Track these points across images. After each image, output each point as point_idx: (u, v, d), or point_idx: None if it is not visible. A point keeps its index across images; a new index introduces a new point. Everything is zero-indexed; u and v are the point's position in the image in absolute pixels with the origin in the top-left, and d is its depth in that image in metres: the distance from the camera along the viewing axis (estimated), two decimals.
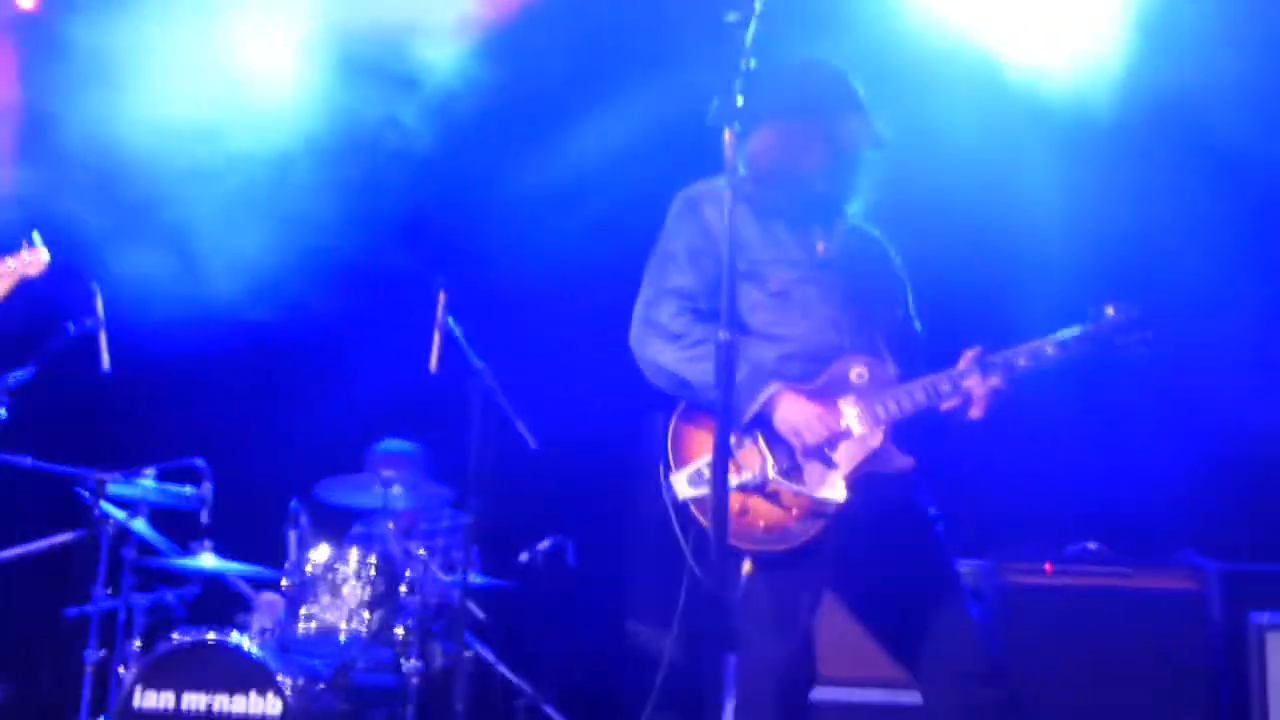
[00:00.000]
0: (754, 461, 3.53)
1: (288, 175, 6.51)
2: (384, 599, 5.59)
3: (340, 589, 5.54)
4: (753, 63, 3.08)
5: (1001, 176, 5.80)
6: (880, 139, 3.70)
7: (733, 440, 3.44)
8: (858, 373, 3.58)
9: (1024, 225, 5.92)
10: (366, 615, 5.53)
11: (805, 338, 3.63)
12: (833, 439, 3.52)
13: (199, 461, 5.61)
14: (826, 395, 3.56)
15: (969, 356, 3.60)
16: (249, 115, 6.40)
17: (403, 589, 5.65)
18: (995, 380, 3.54)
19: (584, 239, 6.69)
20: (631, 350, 3.77)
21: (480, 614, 5.84)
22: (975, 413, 3.55)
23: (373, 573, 5.57)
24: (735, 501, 3.47)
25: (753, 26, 3.10)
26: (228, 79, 6.41)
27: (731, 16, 3.14)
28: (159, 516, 5.77)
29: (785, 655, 3.51)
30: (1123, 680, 5.09)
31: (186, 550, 5.68)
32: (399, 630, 5.60)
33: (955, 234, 5.77)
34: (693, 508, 3.51)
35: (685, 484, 3.54)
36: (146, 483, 5.64)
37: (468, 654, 5.64)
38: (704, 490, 3.45)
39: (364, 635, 5.50)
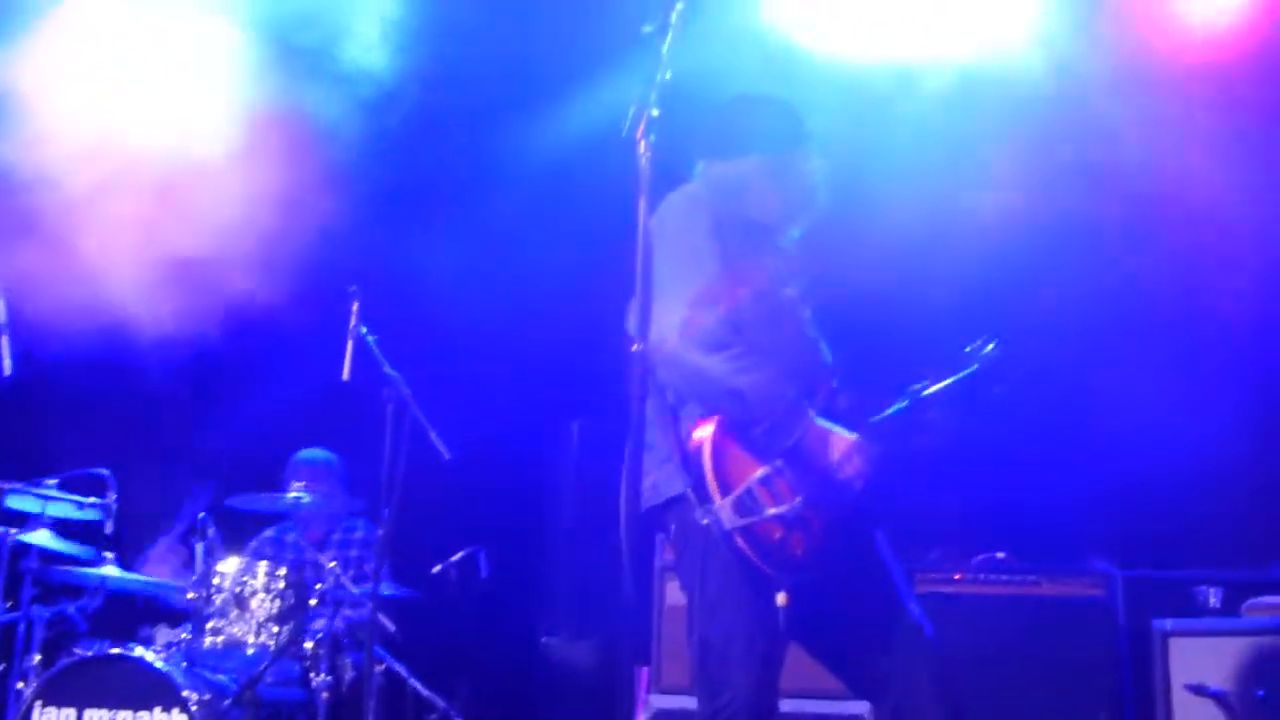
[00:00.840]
0: (784, 490, 3.37)
1: (201, 181, 6.41)
2: (293, 612, 5.51)
3: (248, 602, 5.46)
4: (669, 74, 3.08)
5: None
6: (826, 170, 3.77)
7: (765, 471, 3.36)
8: (834, 390, 3.60)
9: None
10: (275, 629, 5.45)
11: (793, 356, 3.58)
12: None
13: (103, 471, 5.50)
14: (826, 418, 3.50)
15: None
16: (156, 117, 6.30)
17: (313, 602, 5.58)
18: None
19: (499, 249, 6.68)
20: (660, 357, 3.42)
21: (391, 627, 5.78)
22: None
23: (282, 585, 5.50)
24: (775, 531, 3.34)
25: (669, 38, 3.11)
26: (139, 78, 6.30)
27: (648, 28, 3.15)
28: (61, 527, 5.65)
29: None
30: (1031, 686, 5.17)
31: (89, 562, 5.57)
32: (308, 644, 5.52)
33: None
34: (738, 539, 3.31)
35: (732, 512, 3.30)
36: (49, 492, 5.52)
37: (379, 668, 5.58)
38: (755, 519, 3.31)
39: (272, 649, 5.42)
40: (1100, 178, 6.06)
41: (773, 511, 3.32)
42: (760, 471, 3.36)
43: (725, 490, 3.32)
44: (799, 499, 3.34)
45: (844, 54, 5.64)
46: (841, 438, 3.45)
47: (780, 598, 3.32)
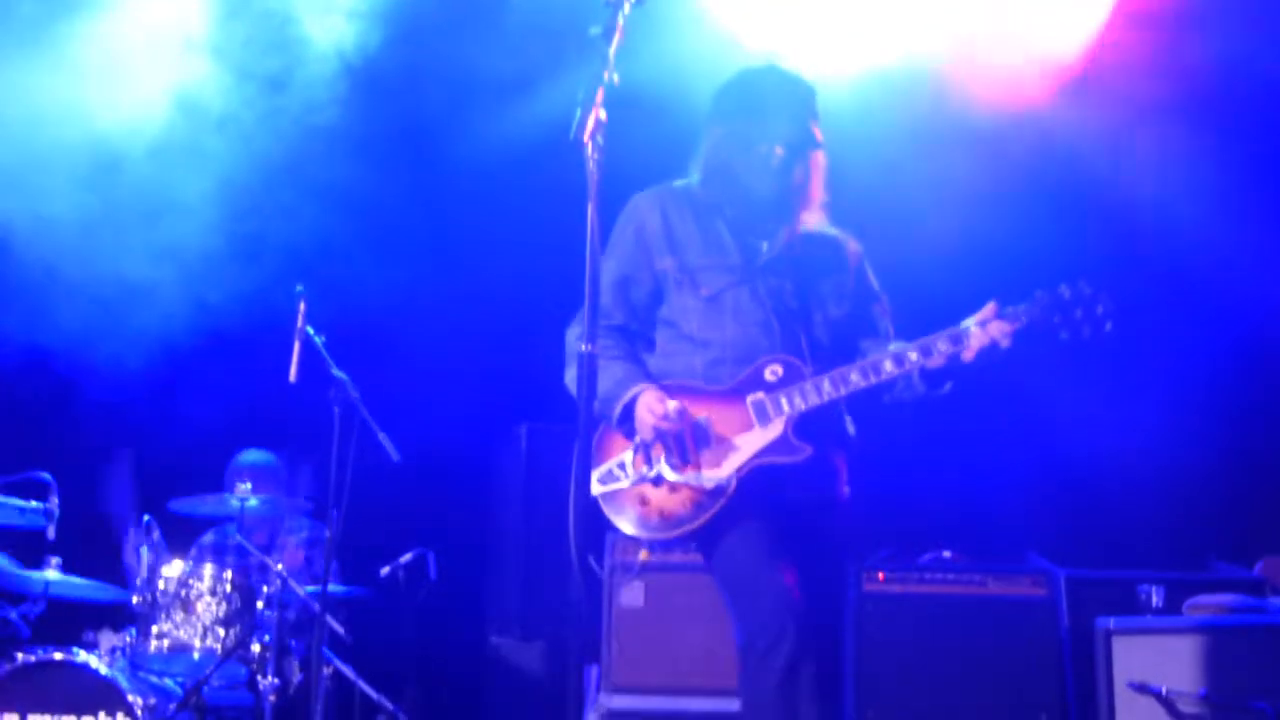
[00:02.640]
0: (656, 454, 3.65)
1: (144, 177, 6.35)
2: (240, 615, 5.47)
3: (194, 605, 5.41)
4: (616, 77, 3.08)
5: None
6: (814, 141, 3.79)
7: (637, 439, 3.65)
8: (772, 370, 3.67)
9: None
10: (221, 632, 5.41)
11: (735, 343, 3.72)
12: (718, 432, 3.63)
13: (45, 475, 5.43)
14: (737, 394, 3.67)
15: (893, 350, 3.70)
16: (100, 113, 6.24)
17: (259, 604, 5.54)
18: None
19: (447, 250, 6.66)
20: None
21: (339, 629, 5.75)
22: (968, 356, 3.63)
23: (228, 588, 5.45)
24: (636, 495, 3.66)
25: (616, 40, 3.11)
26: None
27: (594, 30, 3.15)
28: (1, 532, 5.57)
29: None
30: (975, 684, 5.22)
31: (31, 566, 5.49)
32: (255, 646, 5.48)
33: None
34: (601, 504, 3.69)
35: (596, 481, 3.69)
36: None
37: (326, 670, 5.55)
38: (614, 486, 3.68)
39: (219, 652, 5.38)
40: (1034, 179, 6.14)
41: (629, 481, 3.66)
42: (640, 439, 3.66)
43: (598, 464, 3.71)
44: (656, 462, 3.63)
45: (791, 56, 5.66)
46: (657, 402, 3.62)
47: (643, 553, 3.48)
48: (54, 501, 5.40)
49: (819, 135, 3.81)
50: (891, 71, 6.09)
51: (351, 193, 6.52)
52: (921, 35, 6.07)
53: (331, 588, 5.39)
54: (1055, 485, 6.30)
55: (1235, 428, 6.25)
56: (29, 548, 5.55)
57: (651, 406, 3.63)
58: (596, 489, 3.69)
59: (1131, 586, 5.35)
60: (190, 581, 5.43)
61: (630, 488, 3.68)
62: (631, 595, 5.06)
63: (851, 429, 3.88)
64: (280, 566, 5.60)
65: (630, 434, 3.70)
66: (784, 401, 3.63)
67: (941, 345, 3.63)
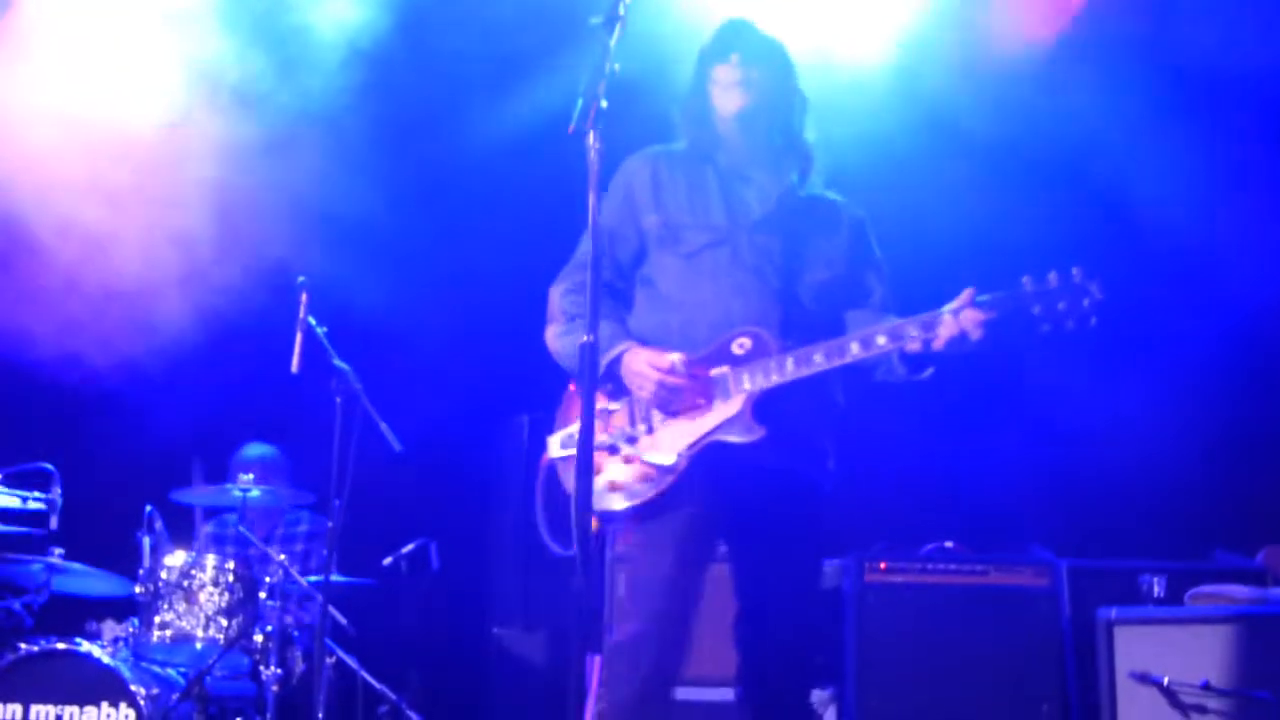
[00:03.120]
0: (618, 423, 3.60)
1: (148, 168, 6.35)
2: (242, 605, 5.48)
3: (197, 595, 5.42)
4: (617, 66, 3.07)
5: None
6: (777, 54, 3.73)
7: (606, 403, 3.59)
8: (740, 344, 3.55)
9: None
10: (224, 622, 5.42)
11: (708, 304, 3.63)
12: (685, 403, 3.52)
13: (47, 466, 5.44)
14: (703, 365, 3.56)
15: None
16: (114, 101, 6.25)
17: (262, 594, 5.55)
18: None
19: (450, 240, 6.65)
20: None
21: (342, 619, 5.76)
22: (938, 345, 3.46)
23: (231, 578, 5.46)
24: (596, 458, 3.46)
25: (618, 30, 3.10)
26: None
27: (595, 19, 3.14)
28: (4, 521, 5.58)
29: (643, 633, 3.51)
30: (976, 675, 5.21)
31: (34, 557, 5.50)
32: (258, 637, 5.49)
33: None
34: (559, 468, 3.66)
35: (557, 445, 3.68)
36: None
37: (329, 660, 5.56)
38: (572, 452, 3.46)
39: (221, 642, 5.39)
40: (1037, 172, 6.13)
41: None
42: (602, 406, 3.57)
43: (560, 427, 3.70)
44: (615, 430, 3.59)
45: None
46: (642, 362, 3.55)
47: (594, 522, 3.44)
48: (56, 492, 5.42)
49: (783, 80, 3.74)
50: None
51: (352, 183, 6.52)
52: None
53: (334, 578, 5.39)
54: (1056, 475, 6.29)
55: (1237, 416, 6.24)
56: (32, 538, 5.56)
57: (653, 361, 3.54)
58: (556, 451, 3.65)
59: (1133, 576, 5.35)
60: (193, 572, 5.44)
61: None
62: None
63: (840, 405, 3.74)
64: (282, 557, 5.62)
65: (613, 394, 3.61)
66: (745, 378, 3.50)
67: (912, 330, 3.47)
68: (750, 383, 3.50)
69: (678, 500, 3.52)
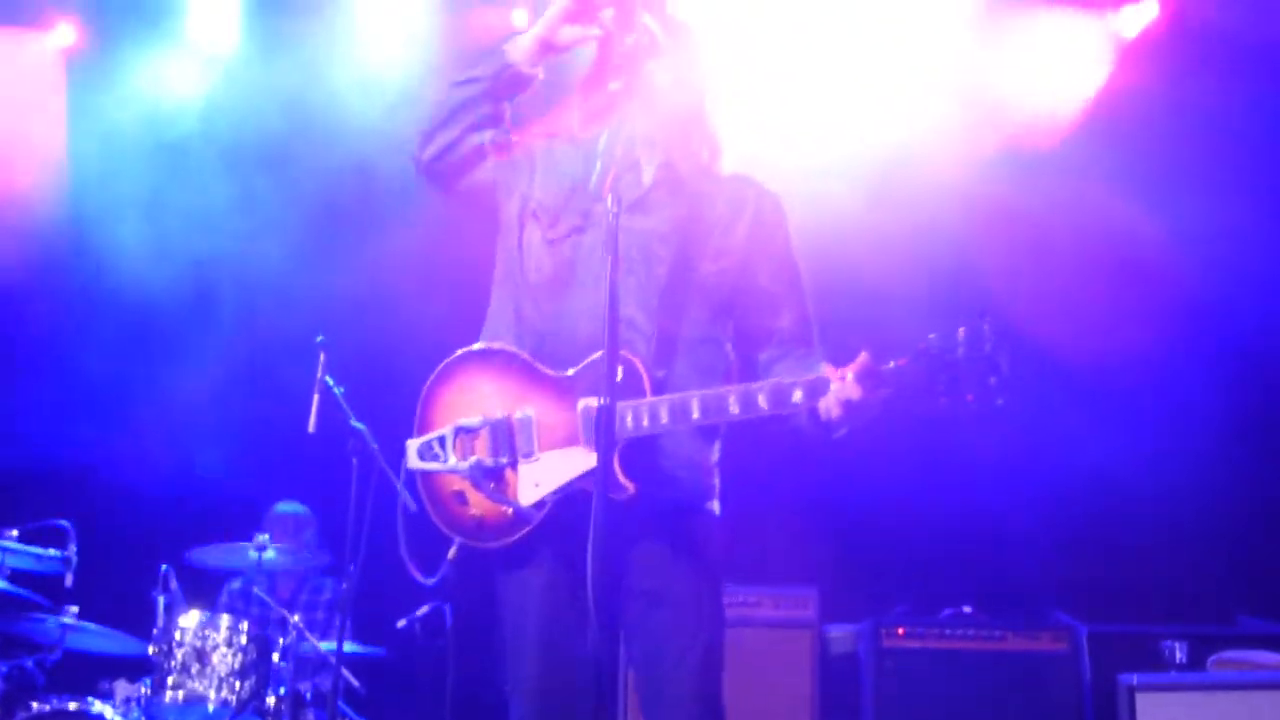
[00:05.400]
0: (479, 450, 3.14)
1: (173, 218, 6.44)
2: (255, 667, 5.45)
3: (210, 656, 5.39)
4: (638, 129, 3.06)
5: None
6: (654, 47, 3.17)
7: (474, 421, 3.15)
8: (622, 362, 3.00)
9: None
10: (237, 684, 5.38)
11: (565, 301, 3.19)
12: (541, 438, 3.09)
13: (63, 523, 5.44)
14: (570, 391, 3.09)
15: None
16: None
17: (275, 657, 5.51)
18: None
19: (469, 298, 6.66)
20: None
21: (355, 681, 5.72)
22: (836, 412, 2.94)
23: (244, 640, 5.44)
24: (455, 484, 3.18)
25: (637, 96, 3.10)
26: None
27: (614, 85, 3.15)
28: (20, 578, 5.57)
29: (530, 679, 3.19)
30: None
31: (49, 614, 5.49)
32: (270, 699, 5.45)
33: None
34: (419, 482, 3.24)
35: (415, 454, 3.23)
36: (8, 544, 5.44)
37: None
38: (434, 466, 3.19)
39: (234, 705, 5.35)
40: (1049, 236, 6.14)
41: (450, 464, 3.16)
42: (464, 421, 3.16)
43: (422, 430, 3.25)
44: (479, 455, 3.12)
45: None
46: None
47: (451, 551, 3.21)
48: (72, 549, 5.41)
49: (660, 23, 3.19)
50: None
51: (366, 240, 6.57)
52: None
53: (348, 646, 5.35)
54: (1076, 538, 6.25)
55: (1261, 479, 6.20)
56: (47, 595, 5.54)
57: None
58: (415, 462, 3.21)
59: (1155, 641, 5.30)
60: (206, 632, 5.42)
61: (446, 473, 3.18)
62: None
63: (715, 456, 3.25)
64: (296, 618, 5.59)
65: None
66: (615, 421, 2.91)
67: (796, 397, 2.96)
68: (619, 426, 2.94)
69: (538, 549, 3.14)
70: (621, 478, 2.97)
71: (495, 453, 3.12)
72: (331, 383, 5.22)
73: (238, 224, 6.57)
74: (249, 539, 5.88)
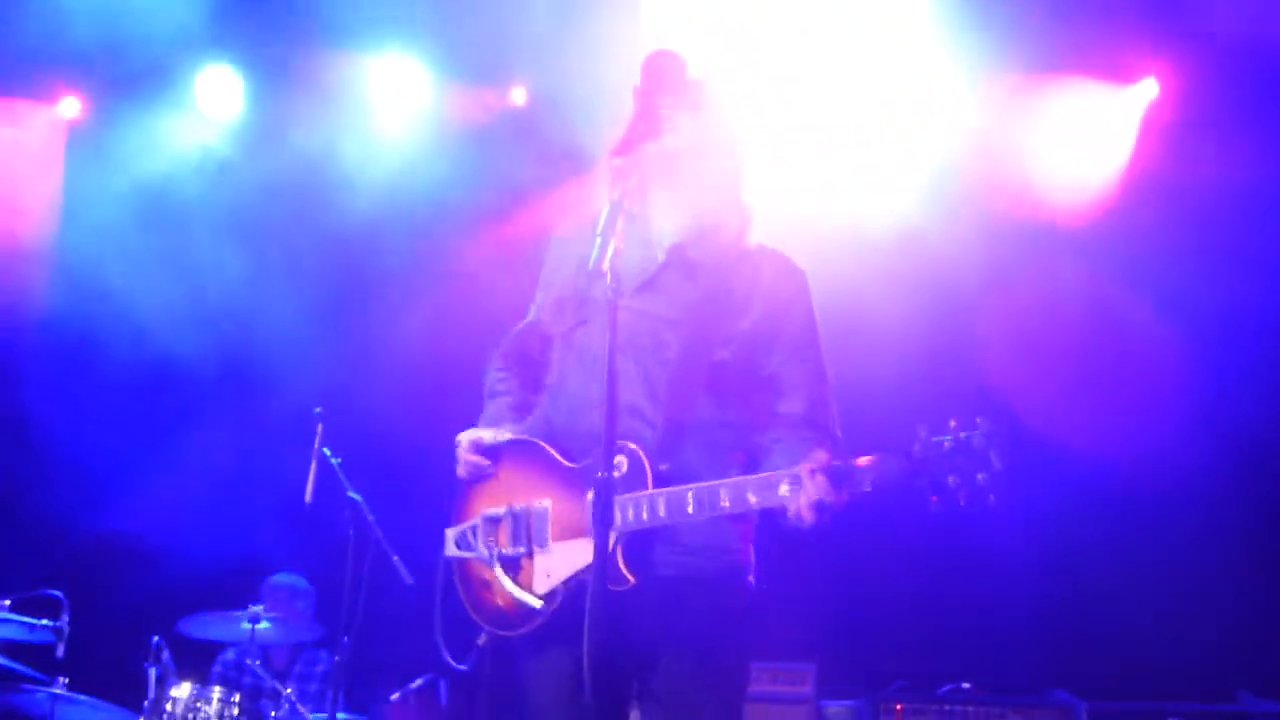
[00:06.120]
0: (501, 539, 3.20)
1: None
2: None
3: None
4: (635, 207, 3.06)
5: None
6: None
7: (498, 511, 3.21)
8: (616, 462, 3.00)
9: None
10: None
11: (570, 396, 3.21)
12: (555, 528, 3.10)
13: (56, 593, 5.40)
14: (581, 482, 3.10)
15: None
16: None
17: None
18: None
19: (461, 370, 6.67)
20: None
21: None
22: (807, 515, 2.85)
23: (236, 712, 5.38)
24: (485, 572, 3.21)
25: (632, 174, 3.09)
26: None
27: (616, 162, 3.13)
28: (11, 648, 5.52)
29: None
30: None
31: (40, 686, 5.44)
32: None
33: None
34: (456, 571, 3.28)
35: (452, 543, 3.29)
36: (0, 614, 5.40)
37: None
38: (469, 555, 3.24)
39: None
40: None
41: (476, 553, 3.22)
42: (490, 510, 3.23)
43: (458, 520, 3.31)
44: (500, 544, 3.19)
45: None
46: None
47: (481, 638, 3.21)
48: (64, 620, 5.37)
49: (684, 106, 3.12)
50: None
51: (368, 314, 6.60)
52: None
53: (340, 718, 5.30)
54: (1076, 615, 6.21)
55: (1261, 556, 6.17)
56: (38, 666, 5.50)
57: (465, 438, 3.28)
58: (451, 550, 3.27)
59: (1156, 718, 5.26)
60: (198, 704, 5.37)
61: (477, 561, 3.23)
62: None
63: (742, 533, 3.18)
64: (289, 690, 5.54)
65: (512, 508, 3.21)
66: (615, 512, 2.92)
67: (783, 490, 2.87)
68: (620, 518, 2.97)
69: (549, 642, 3.11)
70: (624, 569, 2.97)
71: (514, 542, 3.18)
72: (329, 454, 5.21)
73: (236, 294, 6.58)
74: (243, 609, 5.85)
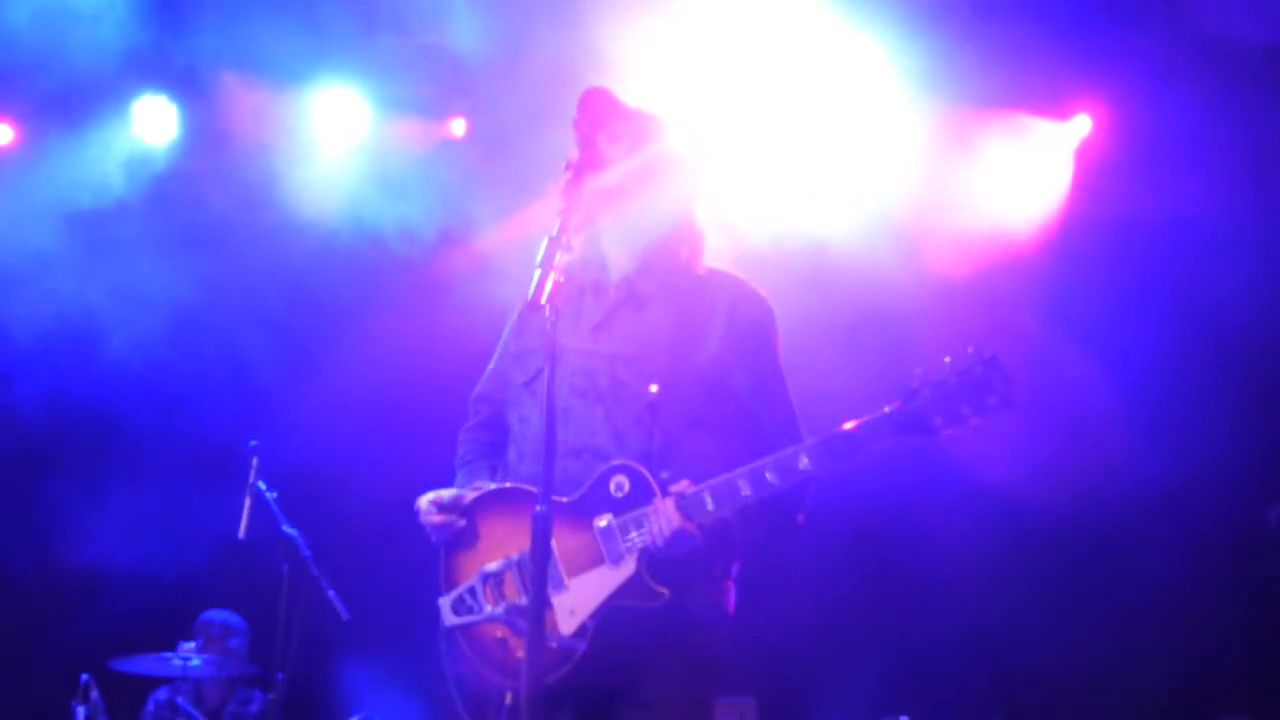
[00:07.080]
0: (509, 594, 3.14)
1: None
2: None
3: None
4: (575, 243, 3.04)
5: None
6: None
7: (497, 565, 3.16)
8: (617, 483, 3.07)
9: None
10: None
11: (533, 439, 3.16)
12: (565, 567, 3.07)
13: None
14: (584, 513, 3.08)
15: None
16: None
17: None
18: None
19: (401, 401, 6.62)
20: None
21: None
22: None
23: None
24: (497, 631, 3.15)
25: (572, 205, 3.08)
26: None
27: (553, 188, 3.14)
28: None
29: None
30: None
31: None
32: None
33: None
34: (459, 637, 3.20)
35: (449, 611, 3.21)
36: None
37: None
38: (471, 619, 3.17)
39: None
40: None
41: (488, 611, 3.15)
42: (489, 567, 3.17)
43: (448, 588, 3.23)
44: (506, 603, 3.13)
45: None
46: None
47: (508, 697, 3.14)
48: None
49: (623, 139, 3.15)
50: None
51: (307, 343, 6.53)
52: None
53: None
54: (1016, 647, 6.20)
55: (1235, 580, 6.17)
56: None
57: (426, 498, 3.23)
58: (450, 619, 3.19)
59: None
60: None
61: (485, 623, 3.16)
62: None
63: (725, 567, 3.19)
64: None
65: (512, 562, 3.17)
66: (634, 535, 3.00)
67: (804, 461, 3.00)
68: (639, 537, 3.02)
69: (576, 687, 3.06)
70: (654, 585, 3.00)
71: (526, 590, 3.07)
72: (264, 487, 5.13)
73: (165, 324, 6.48)
74: (175, 647, 5.74)
